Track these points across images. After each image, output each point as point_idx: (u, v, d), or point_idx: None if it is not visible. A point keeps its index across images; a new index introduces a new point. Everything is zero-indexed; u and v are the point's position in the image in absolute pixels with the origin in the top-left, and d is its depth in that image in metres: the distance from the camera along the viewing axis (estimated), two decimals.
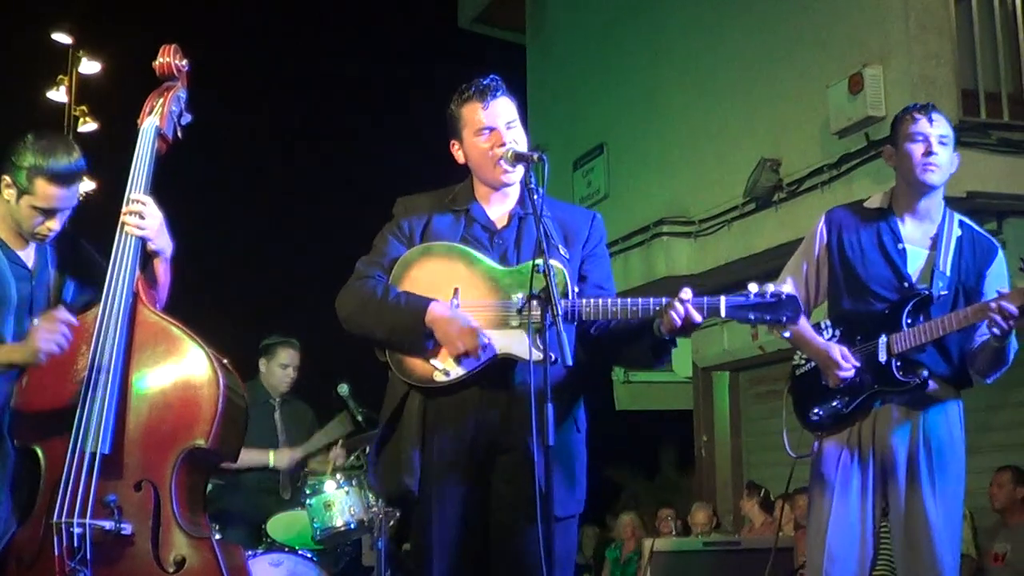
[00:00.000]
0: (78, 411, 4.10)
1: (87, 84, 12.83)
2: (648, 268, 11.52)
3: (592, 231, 4.15)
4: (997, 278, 4.55)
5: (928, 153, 4.49)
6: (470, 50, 16.70)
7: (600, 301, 3.82)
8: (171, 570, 4.06)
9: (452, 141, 4.13)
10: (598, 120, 13.03)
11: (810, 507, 4.74)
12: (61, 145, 4.27)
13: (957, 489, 4.52)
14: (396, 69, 20.56)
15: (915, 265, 4.55)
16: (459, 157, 4.14)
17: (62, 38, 12.76)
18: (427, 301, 3.85)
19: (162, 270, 4.44)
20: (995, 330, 4.23)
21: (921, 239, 4.59)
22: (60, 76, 12.67)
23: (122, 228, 4.32)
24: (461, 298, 3.89)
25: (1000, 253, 4.64)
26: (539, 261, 3.66)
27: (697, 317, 3.74)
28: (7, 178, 4.23)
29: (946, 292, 4.48)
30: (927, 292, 4.47)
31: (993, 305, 4.22)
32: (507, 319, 3.85)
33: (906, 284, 4.53)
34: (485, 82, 4.04)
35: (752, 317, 3.79)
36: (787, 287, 4.41)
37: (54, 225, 4.30)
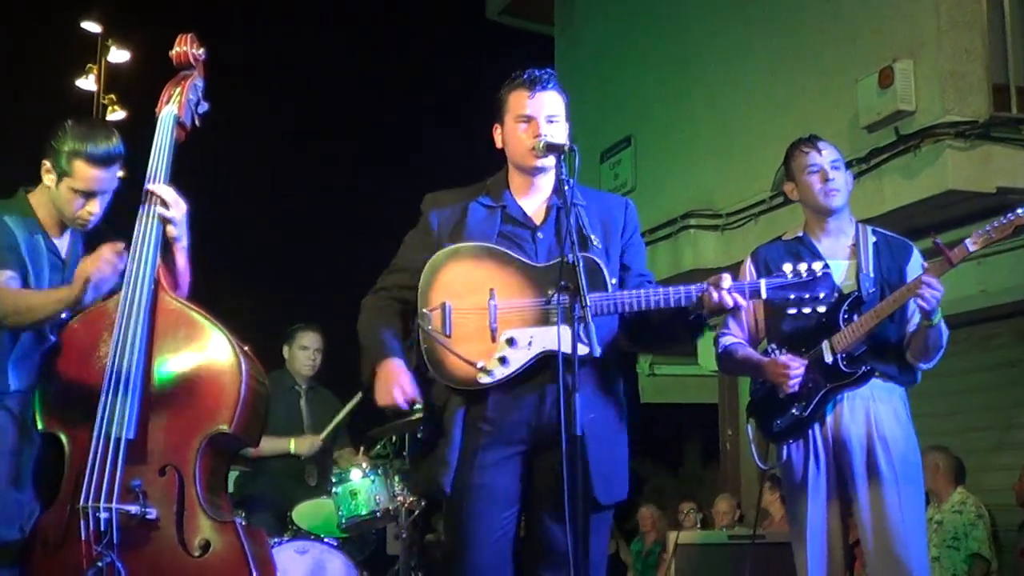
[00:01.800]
0: (102, 397, 4.14)
1: (116, 72, 12.88)
2: (675, 261, 11.49)
3: (627, 219, 4.20)
4: (916, 270, 4.79)
5: (826, 180, 4.84)
6: (498, 42, 16.68)
7: (640, 292, 3.86)
8: (196, 554, 4.09)
9: (494, 124, 4.17)
10: (626, 112, 12.99)
11: (788, 514, 5.00)
12: (101, 129, 4.33)
13: (917, 477, 4.77)
14: (424, 61, 20.58)
15: (839, 275, 4.77)
16: (498, 141, 4.18)
17: (91, 27, 12.81)
18: (382, 357, 3.99)
19: (182, 259, 4.46)
20: (923, 304, 4.48)
21: (839, 252, 4.90)
22: (89, 65, 12.73)
23: (142, 216, 4.35)
24: (498, 298, 3.91)
25: (916, 250, 4.94)
26: (568, 254, 3.70)
27: (740, 302, 3.84)
28: (47, 163, 4.29)
29: (874, 290, 4.76)
30: (857, 293, 4.75)
31: (918, 280, 4.48)
32: (547, 315, 3.87)
33: (835, 294, 4.67)
34: (538, 73, 4.09)
35: (792, 297, 3.90)
36: (732, 327, 4.97)
37: (94, 208, 4.35)
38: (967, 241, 4.51)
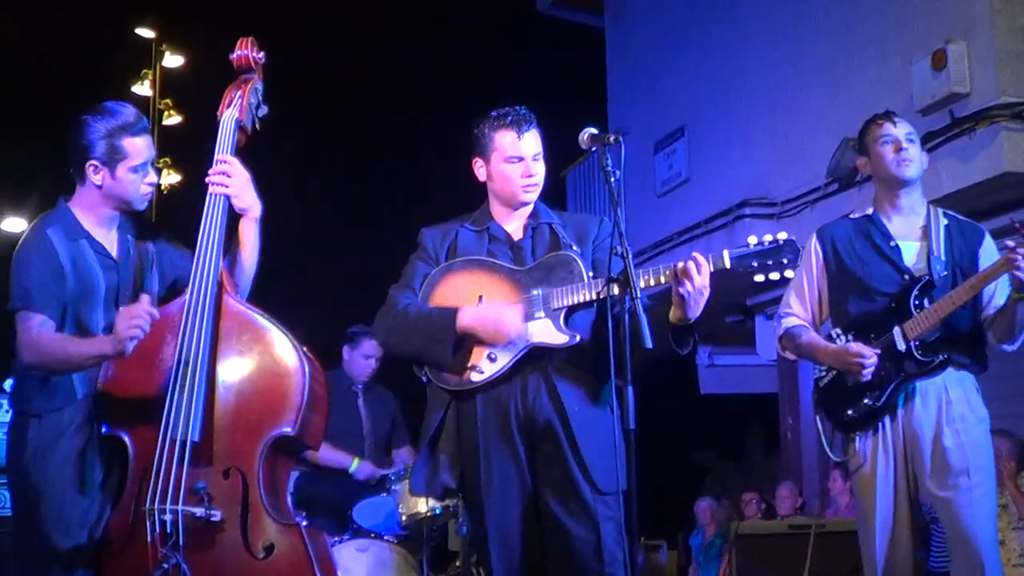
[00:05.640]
0: (167, 400, 4.18)
1: (171, 78, 12.97)
2: None
3: (600, 230, 4.36)
4: (989, 255, 4.74)
5: (900, 150, 4.80)
6: (549, 35, 16.68)
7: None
8: (260, 556, 4.13)
9: (476, 159, 4.38)
10: (679, 102, 12.94)
11: (856, 505, 4.91)
12: (119, 104, 4.38)
13: (989, 465, 4.68)
14: (475, 56, 20.58)
15: (910, 257, 4.77)
16: (480, 175, 4.40)
17: (146, 33, 12.91)
18: (455, 309, 4.10)
19: (251, 232, 4.50)
20: (1020, 275, 4.35)
21: (910, 233, 4.82)
22: (144, 70, 12.82)
23: (204, 220, 4.38)
24: (486, 302, 4.15)
25: (987, 234, 4.84)
26: (617, 246, 3.85)
27: (703, 265, 3.91)
28: (94, 161, 4.28)
29: (945, 274, 4.68)
30: (928, 277, 4.66)
31: (1011, 252, 4.38)
32: (532, 312, 4.09)
33: (906, 276, 4.73)
34: (521, 112, 4.29)
35: (755, 264, 4.00)
36: (794, 307, 4.91)
37: (154, 178, 4.45)
38: None
